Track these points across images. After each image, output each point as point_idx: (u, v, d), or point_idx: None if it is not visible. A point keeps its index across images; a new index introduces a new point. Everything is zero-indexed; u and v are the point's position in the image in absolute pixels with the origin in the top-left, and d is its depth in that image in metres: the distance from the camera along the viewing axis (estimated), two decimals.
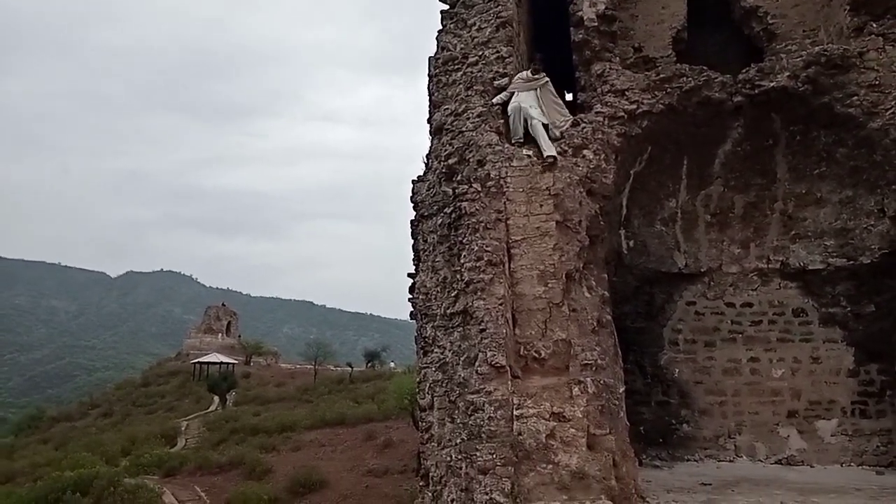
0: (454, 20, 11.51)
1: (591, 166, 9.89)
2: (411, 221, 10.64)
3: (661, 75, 11.52)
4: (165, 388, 61.79)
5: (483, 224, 8.48)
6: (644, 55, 12.85)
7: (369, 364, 56.72)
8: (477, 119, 9.74)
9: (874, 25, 11.02)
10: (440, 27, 11.82)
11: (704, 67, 11.61)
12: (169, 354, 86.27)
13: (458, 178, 9.22)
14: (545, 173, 9.03)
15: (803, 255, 11.98)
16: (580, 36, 11.99)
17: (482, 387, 7.30)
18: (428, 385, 8.82)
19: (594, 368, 7.82)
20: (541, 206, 8.79)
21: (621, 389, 8.80)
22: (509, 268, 8.46)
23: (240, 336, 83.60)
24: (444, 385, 8.32)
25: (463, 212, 8.66)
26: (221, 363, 63.84)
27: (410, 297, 10.11)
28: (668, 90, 11.43)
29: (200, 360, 65.66)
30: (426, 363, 8.92)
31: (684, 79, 11.46)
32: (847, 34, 11.29)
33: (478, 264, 8.12)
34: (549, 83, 10.52)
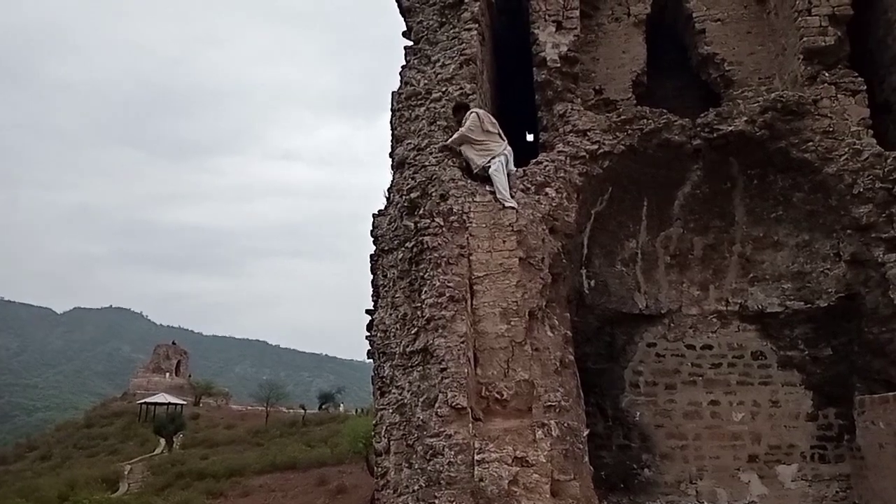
0: (418, 56, 11.47)
1: (554, 204, 9.82)
2: (371, 256, 10.37)
3: (623, 117, 11.64)
4: (109, 430, 59.56)
5: (445, 259, 8.26)
6: (605, 97, 12.98)
7: (323, 406, 55.47)
8: (440, 154, 9.61)
9: (826, 75, 11.35)
10: (404, 63, 11.77)
11: (664, 110, 11.78)
12: (115, 394, 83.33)
13: (420, 211, 9.02)
14: (508, 209, 8.88)
15: (761, 297, 12.03)
16: (543, 76, 12.06)
17: (442, 430, 6.97)
18: (384, 428, 8.43)
19: (558, 410, 7.59)
20: (504, 242, 8.62)
21: (585, 432, 8.56)
22: (471, 305, 8.23)
23: (190, 376, 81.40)
24: (401, 428, 7.96)
25: (425, 246, 8.43)
26: (169, 404, 61.87)
27: (368, 334, 9.78)
28: (629, 131, 11.54)
29: (147, 400, 63.59)
30: (383, 405, 8.55)
31: (645, 121, 11.59)
32: (801, 82, 11.58)
33: (439, 300, 7.87)
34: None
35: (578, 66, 12.33)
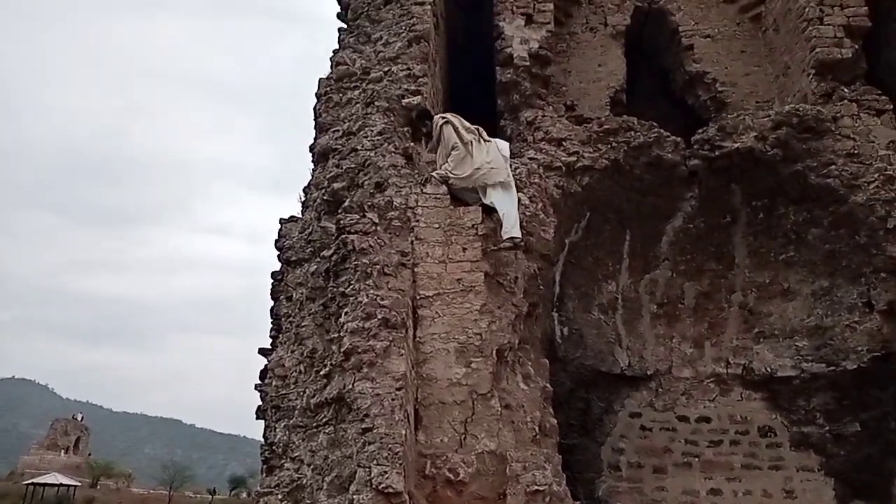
0: (355, 34, 9.09)
1: (528, 214, 7.29)
2: (272, 274, 7.55)
3: (605, 126, 9.46)
4: None
5: (378, 268, 5.58)
6: (578, 114, 10.80)
7: (234, 491, 50.40)
8: (378, 137, 7.04)
9: (846, 90, 9.50)
10: (336, 46, 9.38)
11: (654, 123, 9.68)
12: (1, 474, 75.23)
13: (346, 204, 6.35)
14: (471, 206, 6.34)
15: (769, 358, 9.68)
16: (508, 76, 9.87)
17: None
18: None
19: (548, 499, 4.81)
20: (464, 249, 6.02)
21: None
22: (414, 336, 5.53)
23: (90, 454, 74.39)
24: None
25: (351, 248, 5.74)
26: (60, 485, 55.39)
27: (259, 384, 6.84)
28: (613, 144, 9.36)
29: (35, 481, 56.83)
30: (268, 487, 5.53)
31: (632, 133, 9.45)
32: (813, 101, 9.67)
33: (367, 325, 5.13)
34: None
35: (550, 67, 10.21)
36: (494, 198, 6.51)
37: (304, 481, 5.15)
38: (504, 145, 7.34)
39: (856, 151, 9.06)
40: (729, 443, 9.63)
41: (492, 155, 6.85)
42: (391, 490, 4.23)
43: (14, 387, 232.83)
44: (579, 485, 9.46)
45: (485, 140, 7.09)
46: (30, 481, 56.59)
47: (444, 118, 7.27)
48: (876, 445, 9.07)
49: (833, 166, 9.00)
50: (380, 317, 5.18)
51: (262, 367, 6.97)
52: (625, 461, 9.60)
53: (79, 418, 78.59)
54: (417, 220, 6.13)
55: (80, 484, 58.29)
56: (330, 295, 5.95)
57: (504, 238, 6.36)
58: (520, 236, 6.43)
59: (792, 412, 9.61)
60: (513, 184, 6.78)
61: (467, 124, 7.21)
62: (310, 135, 8.35)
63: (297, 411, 5.65)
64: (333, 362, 5.37)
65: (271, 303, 7.47)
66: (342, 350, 5.21)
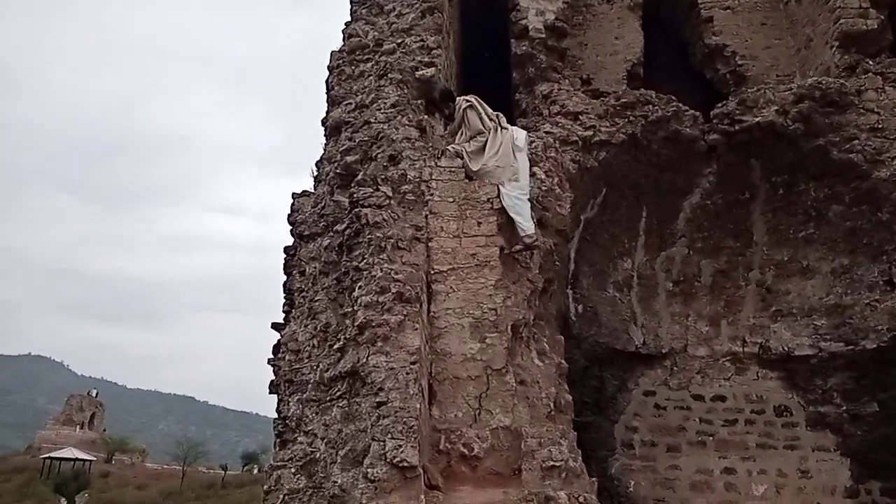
0: (367, 6, 8.92)
1: (543, 188, 7.18)
2: (285, 249, 7.48)
3: (623, 100, 9.28)
4: (5, 488, 54.20)
5: (392, 242, 5.49)
6: (594, 88, 10.60)
7: (246, 467, 51.02)
8: (391, 109, 6.92)
9: (870, 63, 9.26)
10: (349, 19, 9.23)
11: (672, 97, 9.49)
12: (18, 448, 76.64)
13: (360, 178, 6.25)
14: (486, 180, 6.22)
15: (787, 336, 9.55)
16: (524, 48, 9.68)
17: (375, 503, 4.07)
18: (281, 498, 5.37)
19: (564, 475, 4.74)
20: (479, 224, 5.92)
21: None
22: (428, 311, 5.45)
23: (105, 430, 75.45)
24: (306, 499, 5.00)
25: (364, 222, 5.65)
26: (76, 460, 56.29)
27: (272, 358, 6.80)
28: (631, 119, 9.18)
29: (51, 455, 57.79)
30: (282, 461, 5.51)
31: (650, 107, 9.26)
32: (836, 74, 9.44)
33: (381, 299, 5.06)
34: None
35: (567, 40, 10.01)
36: (504, 201, 6.23)
37: (318, 455, 5.12)
38: (521, 135, 6.95)
39: (880, 126, 8.84)
40: (744, 422, 9.53)
41: (501, 151, 6.47)
42: (406, 464, 4.17)
43: (30, 363, 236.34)
44: (592, 463, 9.38)
45: (502, 128, 6.82)
46: (46, 455, 57.58)
47: (468, 101, 7.00)
48: (894, 426, 8.93)
49: (856, 141, 8.79)
50: (394, 291, 5.10)
51: (276, 341, 6.93)
52: (638, 439, 9.54)
53: (94, 394, 79.55)
54: (432, 194, 6.03)
55: (95, 459, 59.25)
56: (343, 269, 5.89)
57: (520, 237, 6.15)
58: (532, 233, 6.19)
59: (809, 392, 9.49)
60: (524, 176, 6.46)
61: (489, 111, 6.96)
62: (320, 113, 8.22)
63: (310, 385, 5.62)
64: (347, 336, 5.31)
65: (284, 279, 7.41)
66: (356, 324, 5.14)
